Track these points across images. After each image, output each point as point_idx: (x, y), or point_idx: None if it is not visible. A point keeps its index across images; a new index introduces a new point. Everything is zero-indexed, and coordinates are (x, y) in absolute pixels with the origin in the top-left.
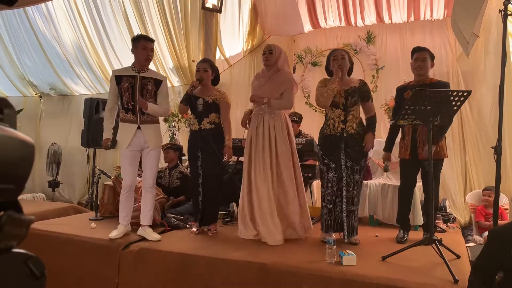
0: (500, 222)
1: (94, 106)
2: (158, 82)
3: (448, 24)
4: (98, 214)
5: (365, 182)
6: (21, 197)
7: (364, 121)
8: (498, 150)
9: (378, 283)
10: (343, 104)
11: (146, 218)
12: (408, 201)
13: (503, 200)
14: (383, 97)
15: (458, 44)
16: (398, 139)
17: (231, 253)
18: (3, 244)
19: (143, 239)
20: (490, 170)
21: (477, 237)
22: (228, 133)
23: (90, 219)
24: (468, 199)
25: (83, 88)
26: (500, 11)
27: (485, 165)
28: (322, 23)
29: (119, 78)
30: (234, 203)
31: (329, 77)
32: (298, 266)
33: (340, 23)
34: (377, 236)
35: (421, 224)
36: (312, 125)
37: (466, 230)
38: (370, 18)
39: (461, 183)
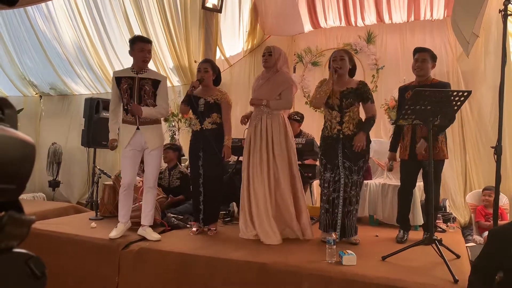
0: (500, 222)
1: (94, 106)
2: (156, 82)
3: (448, 24)
4: (98, 213)
5: (365, 182)
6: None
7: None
8: (498, 150)
9: (378, 283)
10: (338, 105)
11: (146, 218)
12: (408, 201)
13: (503, 200)
14: (383, 97)
15: (458, 44)
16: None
17: (231, 253)
18: (4, 244)
19: (143, 238)
20: (490, 170)
21: (477, 237)
22: (228, 134)
23: (90, 219)
24: (468, 199)
25: (83, 88)
26: (500, 11)
27: (485, 165)
28: (322, 23)
29: (118, 79)
30: (234, 203)
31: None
32: (298, 266)
33: (340, 23)
34: (377, 236)
35: (421, 224)
36: (312, 125)
37: (466, 230)
38: (370, 18)
39: (461, 183)
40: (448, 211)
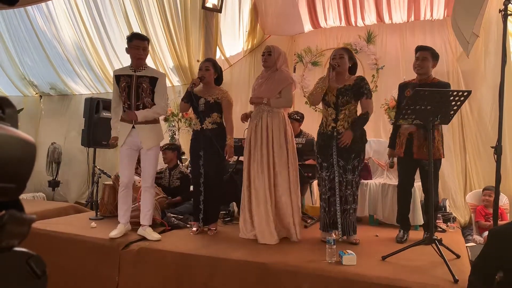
0: (500, 222)
1: (94, 106)
2: (154, 80)
3: (448, 24)
4: (98, 213)
5: (365, 182)
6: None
7: None
8: (498, 150)
9: (378, 283)
10: (334, 103)
11: (145, 218)
12: (407, 201)
13: (503, 200)
14: (383, 97)
15: (458, 44)
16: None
17: (231, 252)
18: (4, 243)
19: (143, 238)
20: (490, 170)
21: (477, 237)
22: (230, 133)
23: (90, 219)
24: (468, 199)
25: (83, 87)
26: (500, 11)
27: (485, 165)
28: (322, 23)
29: (118, 77)
30: (234, 203)
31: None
32: (298, 266)
33: (340, 23)
34: (377, 236)
35: (421, 224)
36: (312, 124)
37: (466, 230)
38: (370, 18)
39: (461, 183)
40: (448, 211)
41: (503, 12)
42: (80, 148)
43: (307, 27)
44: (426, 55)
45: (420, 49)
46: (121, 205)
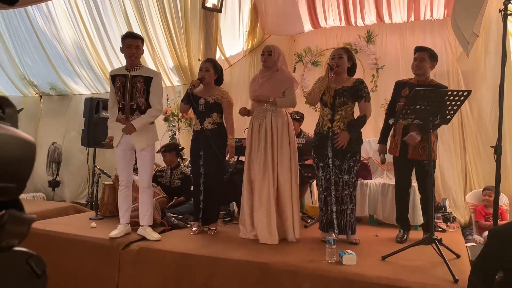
0: (500, 222)
1: (94, 106)
2: (148, 79)
3: (448, 24)
4: (98, 213)
5: (365, 182)
6: (21, 196)
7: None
8: (498, 150)
9: (378, 283)
10: (330, 103)
11: (144, 218)
12: (405, 200)
13: (503, 200)
14: (383, 96)
15: (458, 44)
16: (390, 139)
17: (231, 252)
18: (4, 243)
19: (143, 238)
20: (490, 170)
21: (477, 237)
22: (230, 133)
23: (90, 219)
24: (468, 199)
25: (83, 87)
26: (500, 10)
27: (485, 164)
28: (322, 23)
29: (113, 78)
30: (234, 203)
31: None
32: (298, 266)
33: (340, 23)
34: (377, 235)
35: (421, 224)
36: (313, 124)
37: (466, 229)
38: (370, 18)
39: (461, 182)
40: (448, 210)
41: (503, 12)
42: (80, 148)
43: (307, 27)
44: (424, 56)
45: (418, 50)
46: (121, 205)
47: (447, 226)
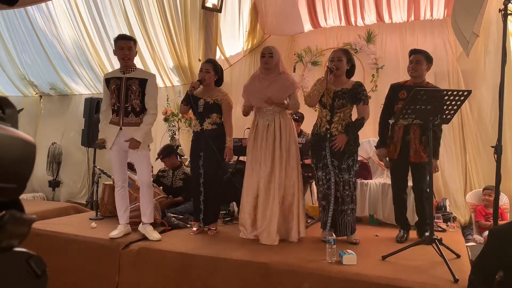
0: (500, 222)
1: (94, 106)
2: (143, 81)
3: (448, 23)
4: (98, 213)
5: (365, 182)
6: (21, 196)
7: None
8: (498, 150)
9: (378, 283)
10: (329, 105)
11: (145, 216)
12: (403, 200)
13: (503, 200)
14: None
15: (458, 43)
16: None
17: (231, 252)
18: (5, 243)
19: (143, 238)
20: (490, 170)
21: (477, 237)
22: (229, 135)
23: (90, 219)
24: (468, 199)
25: (83, 87)
26: (500, 10)
27: (485, 164)
28: (322, 23)
29: (108, 80)
30: (234, 203)
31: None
32: (298, 265)
33: (340, 23)
34: (377, 235)
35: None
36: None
37: (466, 229)
38: (370, 18)
39: (462, 182)
40: (448, 210)
41: (503, 12)
42: (80, 148)
43: (307, 26)
44: (419, 58)
45: (414, 52)
46: (119, 206)
47: (447, 226)
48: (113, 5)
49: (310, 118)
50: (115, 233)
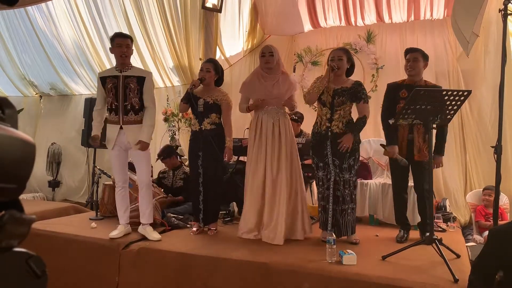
0: (500, 222)
1: (94, 106)
2: (141, 79)
3: (448, 23)
4: (98, 213)
5: (365, 181)
6: (21, 196)
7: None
8: (498, 150)
9: (378, 283)
10: (329, 102)
11: (144, 216)
12: (403, 200)
13: (503, 200)
14: (382, 96)
15: (458, 43)
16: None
17: (231, 252)
18: (4, 243)
19: (143, 238)
20: (490, 170)
21: (477, 237)
22: (229, 135)
23: (90, 219)
24: (468, 199)
25: (83, 87)
26: (500, 10)
27: (485, 164)
28: (322, 23)
29: (103, 79)
30: (234, 203)
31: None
32: (298, 266)
33: (340, 23)
34: (377, 235)
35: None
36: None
37: (466, 229)
38: (370, 18)
39: (462, 182)
40: (448, 210)
41: (503, 12)
42: (80, 148)
43: (307, 26)
44: (417, 56)
45: (410, 51)
46: (119, 206)
47: (447, 226)
48: (113, 5)
49: (310, 118)
50: (115, 233)
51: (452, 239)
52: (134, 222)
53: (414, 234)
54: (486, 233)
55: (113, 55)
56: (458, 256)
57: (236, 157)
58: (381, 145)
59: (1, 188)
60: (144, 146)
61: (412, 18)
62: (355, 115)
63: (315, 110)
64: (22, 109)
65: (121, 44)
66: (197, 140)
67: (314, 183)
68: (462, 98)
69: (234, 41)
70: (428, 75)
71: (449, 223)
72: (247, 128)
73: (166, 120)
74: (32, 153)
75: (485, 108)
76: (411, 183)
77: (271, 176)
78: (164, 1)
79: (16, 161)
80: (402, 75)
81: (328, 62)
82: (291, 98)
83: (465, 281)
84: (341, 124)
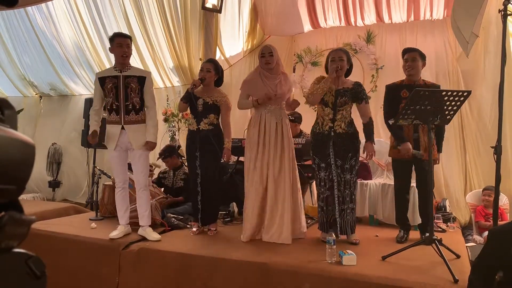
0: (500, 222)
1: None
2: (141, 79)
3: (448, 24)
4: (98, 214)
5: (365, 182)
6: (22, 197)
7: (355, 122)
8: (498, 150)
9: (378, 283)
10: (332, 103)
11: (143, 218)
12: (405, 201)
13: (503, 200)
14: (382, 96)
15: (458, 44)
16: (390, 140)
17: (231, 252)
18: (4, 244)
19: (143, 239)
20: (490, 170)
21: (477, 237)
22: (227, 136)
23: (90, 219)
24: (468, 199)
25: (83, 88)
26: (500, 11)
27: (485, 165)
28: (322, 23)
29: (102, 79)
30: (234, 203)
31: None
32: (298, 266)
33: (340, 23)
34: (377, 236)
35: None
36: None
37: (466, 230)
38: (370, 18)
39: (462, 182)
40: (448, 211)
41: (502, 12)
42: (80, 149)
43: (307, 27)
44: (415, 56)
45: (407, 51)
46: (119, 207)
47: (447, 226)
48: (113, 5)
49: (310, 118)
50: (115, 233)
51: (452, 239)
52: (134, 223)
53: (414, 235)
54: (486, 233)
55: (112, 55)
56: (458, 256)
57: (236, 157)
58: (394, 148)
59: (1, 189)
60: (151, 146)
61: (412, 18)
62: (354, 115)
63: (315, 110)
64: (22, 110)
65: (122, 44)
66: (194, 140)
67: (313, 183)
68: (462, 98)
69: (234, 41)
70: (428, 75)
71: (449, 224)
72: (250, 128)
73: (166, 120)
74: (32, 154)
75: (485, 108)
76: (412, 183)
77: (273, 175)
78: (164, 1)
79: (15, 162)
80: (402, 76)
81: (328, 63)
82: (289, 98)
83: (465, 281)
84: (344, 124)
